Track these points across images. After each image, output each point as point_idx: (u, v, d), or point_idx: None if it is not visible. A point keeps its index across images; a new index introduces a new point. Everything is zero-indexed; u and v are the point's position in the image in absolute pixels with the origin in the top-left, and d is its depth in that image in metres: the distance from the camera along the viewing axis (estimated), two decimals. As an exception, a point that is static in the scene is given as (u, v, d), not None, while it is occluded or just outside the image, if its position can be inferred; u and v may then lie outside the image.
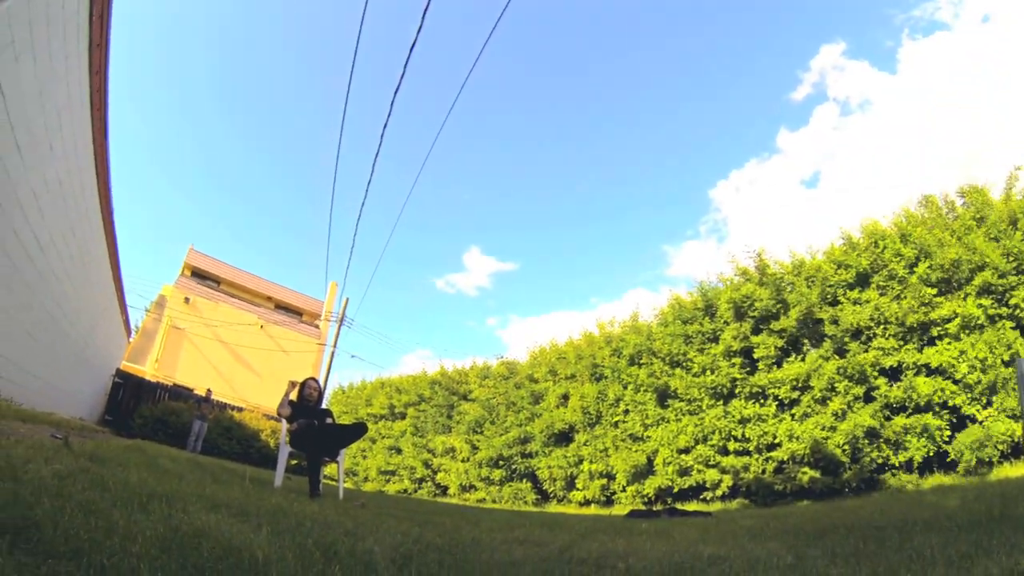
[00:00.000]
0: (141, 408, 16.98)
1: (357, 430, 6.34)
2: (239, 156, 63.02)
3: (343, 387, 25.22)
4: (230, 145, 62.41)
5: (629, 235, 67.51)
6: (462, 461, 16.51)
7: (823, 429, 9.51)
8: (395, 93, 6.86)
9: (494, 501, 14.74)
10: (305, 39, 61.46)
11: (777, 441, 10.05)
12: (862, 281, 10.24)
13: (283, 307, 30.71)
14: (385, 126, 7.52)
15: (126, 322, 17.84)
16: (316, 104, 64.31)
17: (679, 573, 2.13)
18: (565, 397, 14.81)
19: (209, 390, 16.54)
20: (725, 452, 10.74)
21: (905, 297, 9.38)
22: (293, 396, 6.08)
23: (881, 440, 9.04)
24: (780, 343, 10.76)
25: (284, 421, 6.09)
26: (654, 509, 9.27)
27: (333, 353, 24.11)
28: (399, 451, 19.16)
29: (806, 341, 10.71)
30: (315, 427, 5.76)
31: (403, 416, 20.28)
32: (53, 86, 5.29)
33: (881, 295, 9.80)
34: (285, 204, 65.93)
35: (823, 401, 9.82)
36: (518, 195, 68.53)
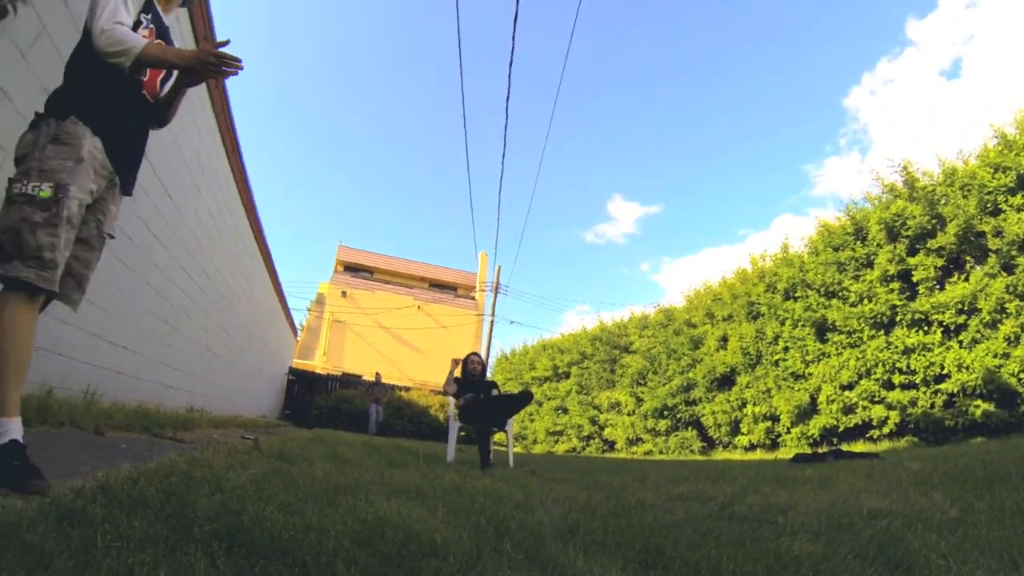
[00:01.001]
0: (316, 400, 20.39)
1: (522, 399, 6.89)
2: (364, 149, 67.96)
3: (506, 354, 27.37)
4: (352, 139, 67.38)
5: (768, 160, 66.50)
6: (627, 415, 17.83)
7: (995, 356, 9.45)
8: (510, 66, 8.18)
9: (661, 452, 15.95)
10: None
11: (945, 372, 10.14)
12: (1025, 183, 9.91)
13: (437, 284, 33.62)
14: (510, 69, 8.79)
15: (291, 324, 21.07)
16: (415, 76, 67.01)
17: (838, 529, 2.29)
18: (724, 339, 15.49)
19: (378, 374, 19.15)
20: (890, 386, 11.00)
21: (1079, 196, 9.05)
22: (457, 373, 6.78)
23: (1062, 365, 8.93)
24: (940, 263, 10.73)
25: (452, 398, 6.77)
26: (819, 452, 9.74)
27: (492, 322, 26.37)
28: (565, 411, 20.87)
29: (969, 258, 10.57)
30: (481, 400, 6.33)
31: (567, 375, 21.95)
32: (185, 136, 6.67)
33: (1050, 197, 9.48)
34: (416, 184, 70.22)
35: (993, 325, 9.73)
36: (651, 136, 68.11)
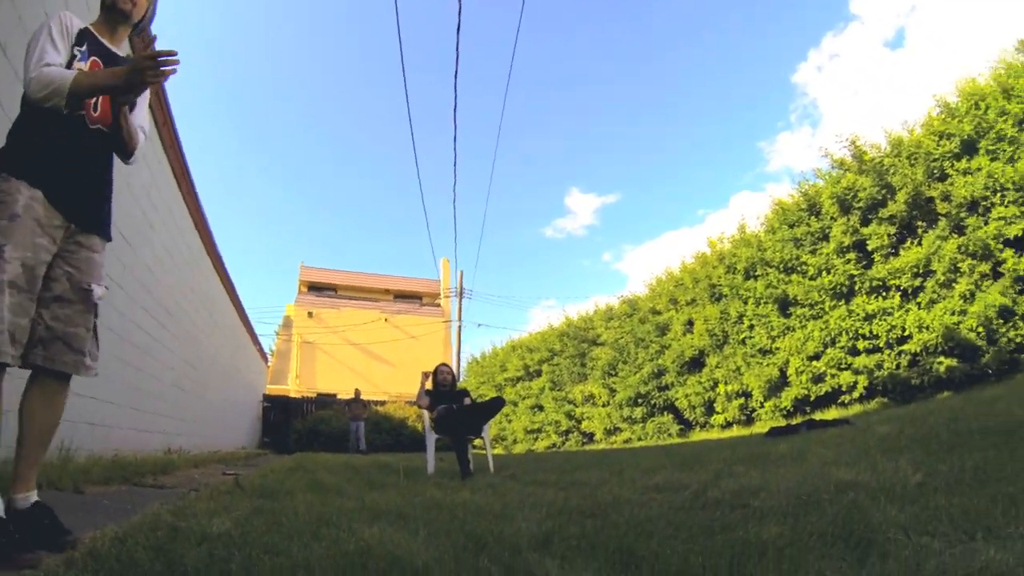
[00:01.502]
0: (293, 424, 20.24)
1: (494, 405, 6.88)
2: (316, 166, 67.47)
3: (476, 358, 27.44)
4: (304, 157, 66.77)
5: (722, 140, 68.65)
6: (602, 406, 18.04)
7: (953, 314, 9.84)
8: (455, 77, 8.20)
9: (639, 439, 16.18)
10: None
11: (907, 333, 10.51)
12: (969, 149, 10.24)
13: (402, 295, 33.59)
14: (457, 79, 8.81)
15: (261, 350, 20.85)
16: (367, 86, 66.69)
17: (806, 507, 2.39)
18: (690, 323, 15.76)
19: (357, 391, 18.90)
20: (855, 352, 11.35)
21: (1020, 158, 9.40)
22: (429, 385, 6.87)
23: (1017, 317, 9.29)
24: (892, 230, 11.10)
25: (425, 411, 6.87)
26: (792, 424, 9.98)
27: (460, 327, 26.39)
28: (541, 408, 21.02)
29: (920, 224, 10.94)
30: (454, 411, 6.38)
31: (539, 373, 22.09)
32: (135, 173, 6.52)
33: (993, 160, 9.79)
34: (365, 196, 69.98)
35: (948, 284, 10.13)
36: (604, 126, 69.17)
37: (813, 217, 12.70)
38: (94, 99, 2.26)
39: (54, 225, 2.09)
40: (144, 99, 2.54)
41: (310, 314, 29.20)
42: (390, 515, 2.84)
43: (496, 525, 2.48)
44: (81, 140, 2.22)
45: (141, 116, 2.49)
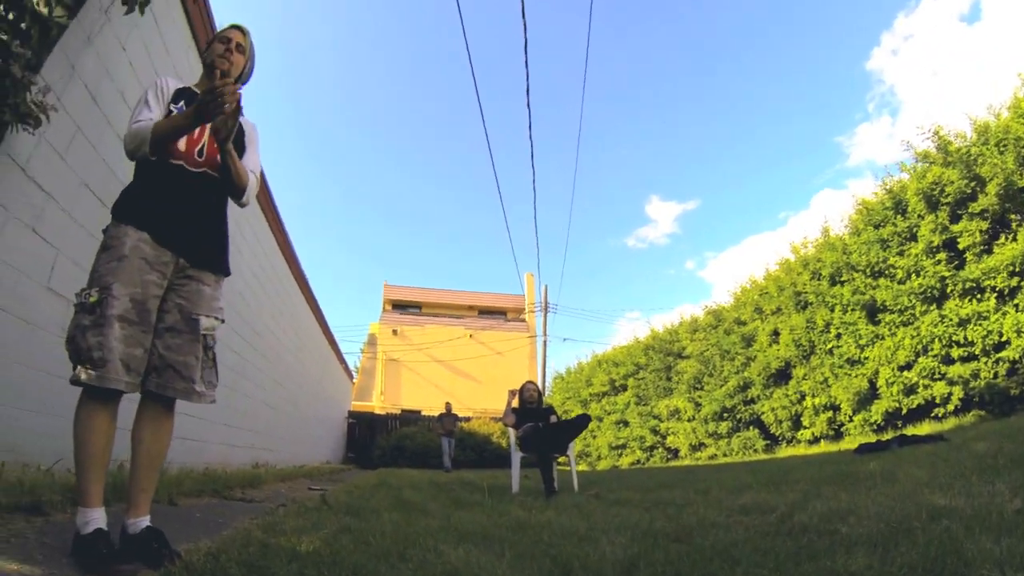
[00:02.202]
0: (378, 440, 20.77)
1: (579, 423, 6.76)
2: (395, 185, 69.72)
3: (561, 373, 27.40)
4: (382, 177, 69.02)
5: (799, 139, 66.57)
6: (687, 420, 17.62)
7: (1055, 316, 9.09)
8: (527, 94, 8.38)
9: (724, 455, 15.68)
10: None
11: (1004, 339, 9.73)
12: (1064, 129, 9.50)
13: (487, 311, 34.00)
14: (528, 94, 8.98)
15: (346, 368, 21.60)
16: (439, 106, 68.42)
17: (896, 535, 2.29)
18: (775, 333, 15.20)
19: (448, 404, 18.62)
20: (949, 361, 10.61)
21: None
22: (514, 404, 6.96)
23: None
24: (984, 226, 10.35)
25: (511, 429, 6.93)
26: (883, 440, 9.44)
27: (545, 342, 26.46)
28: (626, 423, 20.73)
29: (1014, 217, 10.17)
30: (540, 429, 6.40)
31: (624, 388, 21.83)
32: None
33: (1092, 139, 9.07)
34: (453, 214, 71.42)
35: (1049, 283, 9.35)
36: (680, 132, 68.37)
37: (899, 216, 12.01)
38: (197, 146, 2.39)
39: (163, 262, 2.23)
40: (254, 143, 2.68)
41: (395, 332, 30.00)
42: (475, 536, 2.89)
43: (581, 549, 2.48)
44: (184, 184, 2.34)
45: (252, 160, 2.60)
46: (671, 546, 2.48)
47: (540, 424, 6.49)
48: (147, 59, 4.41)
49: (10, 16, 2.77)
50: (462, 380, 29.26)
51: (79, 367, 2.01)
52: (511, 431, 6.96)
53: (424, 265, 70.07)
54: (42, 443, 3.35)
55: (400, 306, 33.21)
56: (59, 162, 3.49)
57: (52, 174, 3.42)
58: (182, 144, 2.35)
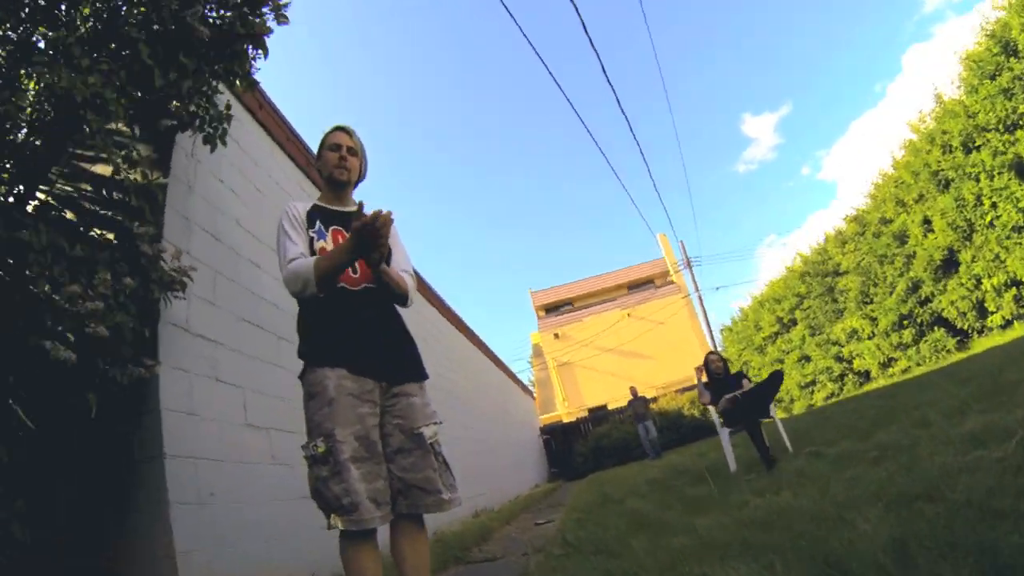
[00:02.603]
0: (575, 447, 21.34)
1: (774, 381, 6.59)
2: (504, 192, 70.47)
3: (728, 325, 26.82)
4: (503, 188, 70.32)
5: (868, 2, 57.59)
6: (868, 338, 16.69)
7: None
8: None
9: (918, 364, 14.73)
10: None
11: None
12: None
13: (635, 285, 33.88)
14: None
15: (523, 387, 22.44)
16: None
17: None
18: (926, 222, 14.10)
19: (633, 388, 18.47)
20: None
21: None
22: (704, 379, 6.91)
23: None
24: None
25: (710, 408, 6.85)
26: None
27: (700, 297, 26.18)
28: (808, 359, 19.91)
29: None
30: (738, 399, 6.27)
31: (793, 323, 21.00)
32: None
33: None
34: (559, 204, 71.04)
35: None
36: (748, 41, 63.81)
37: (1012, 58, 10.92)
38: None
39: (367, 390, 2.26)
40: (397, 239, 2.62)
41: (556, 335, 30.60)
42: (732, 546, 2.79)
43: (840, 533, 2.35)
44: (353, 306, 2.36)
45: (401, 260, 2.57)
46: (926, 509, 2.33)
47: (738, 395, 6.36)
48: (243, 180, 4.65)
49: (117, 197, 3.14)
50: (635, 361, 29.27)
51: (332, 516, 2.10)
52: (711, 408, 6.90)
53: (559, 261, 70.73)
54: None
55: (552, 308, 33.78)
56: (211, 308, 3.74)
57: (210, 322, 3.66)
58: None
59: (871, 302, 16.45)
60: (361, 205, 2.29)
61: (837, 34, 64.70)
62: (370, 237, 2.17)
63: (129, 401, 2.94)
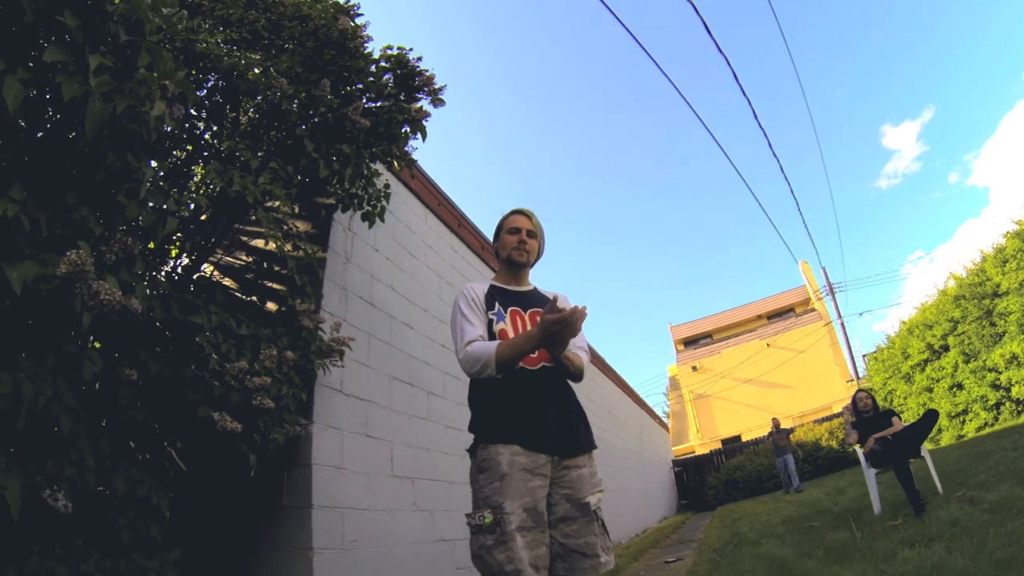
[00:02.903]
0: (707, 479, 20.69)
1: (928, 420, 6.39)
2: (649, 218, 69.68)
3: (873, 353, 25.04)
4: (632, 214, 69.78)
5: None
6: (1030, 364, 15.17)
7: None
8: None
9: (1089, 393, 13.18)
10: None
11: None
12: None
13: (774, 315, 32.66)
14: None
15: (659, 420, 22.12)
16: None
17: None
18: (1100, 233, 12.77)
19: (775, 420, 17.76)
20: None
21: None
22: (851, 418, 6.70)
23: None
24: None
25: (858, 447, 6.64)
26: None
27: (843, 325, 24.71)
28: (960, 386, 18.23)
29: None
30: (888, 441, 6.08)
31: (945, 348, 19.33)
32: None
33: None
34: (695, 235, 69.15)
35: None
36: (884, 45, 59.52)
37: None
38: None
39: (539, 464, 2.26)
40: None
41: (694, 368, 29.99)
42: None
43: None
44: (530, 385, 2.37)
45: (576, 339, 2.50)
46: None
47: (888, 437, 6.13)
48: (397, 247, 4.81)
49: (277, 269, 3.40)
50: (773, 391, 28.11)
51: None
52: (859, 450, 6.66)
53: (698, 289, 68.88)
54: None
55: (691, 342, 33.32)
56: (365, 370, 3.92)
57: (363, 383, 3.86)
58: None
59: (1034, 324, 14.88)
60: (555, 298, 2.21)
61: (982, 18, 59.14)
62: (563, 332, 2.17)
63: (283, 455, 3.22)
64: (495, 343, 2.30)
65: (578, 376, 2.48)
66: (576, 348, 2.50)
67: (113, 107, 1.70)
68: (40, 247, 1.78)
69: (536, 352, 2.38)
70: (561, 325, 2.13)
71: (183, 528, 2.85)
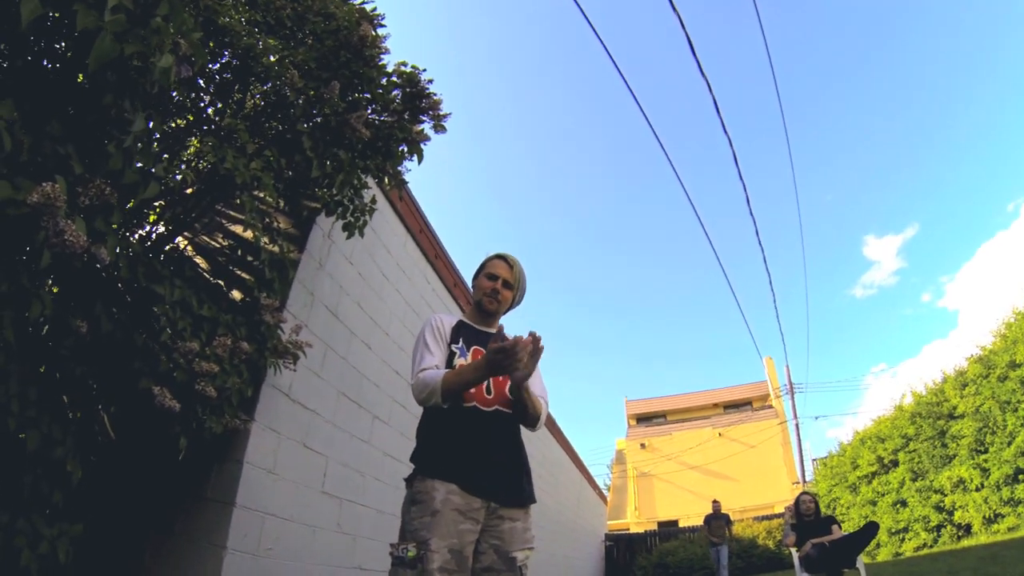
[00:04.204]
0: (637, 560, 20.48)
1: (867, 532, 6.43)
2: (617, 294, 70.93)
3: (823, 459, 25.36)
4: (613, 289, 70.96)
5: (1001, 108, 57.31)
6: (975, 491, 15.45)
7: None
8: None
9: (1028, 525, 13.49)
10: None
11: None
12: None
13: (731, 406, 33.00)
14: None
15: (599, 491, 21.96)
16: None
17: None
18: (1060, 372, 13.26)
19: (716, 502, 17.64)
20: None
21: None
22: (791, 520, 6.83)
23: None
24: None
25: (792, 549, 6.75)
26: None
27: (797, 425, 25.03)
28: (903, 503, 18.50)
29: None
30: (825, 547, 6.19)
31: (895, 464, 19.67)
32: None
33: None
34: (674, 313, 70.54)
35: None
36: (875, 159, 62.73)
37: None
38: (485, 384, 2.38)
39: (474, 508, 2.23)
40: (539, 372, 2.57)
41: (643, 445, 29.98)
42: None
43: None
44: (480, 426, 2.35)
45: (538, 384, 2.54)
46: None
47: (826, 543, 6.23)
48: (372, 265, 4.85)
49: (250, 259, 3.36)
50: (717, 481, 28.12)
51: None
52: (794, 552, 6.74)
53: (658, 369, 69.58)
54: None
55: (644, 419, 33.38)
56: (316, 380, 3.91)
57: (312, 392, 3.84)
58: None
59: (985, 451, 15.28)
60: (501, 328, 2.27)
61: (974, 147, 62.29)
62: (505, 361, 2.12)
63: (216, 447, 3.18)
64: (443, 372, 2.29)
65: (533, 421, 2.45)
66: (538, 395, 2.47)
67: (122, 49, 1.73)
68: (16, 170, 1.76)
69: (492, 393, 2.39)
70: (504, 354, 2.09)
71: (95, 499, 2.78)
